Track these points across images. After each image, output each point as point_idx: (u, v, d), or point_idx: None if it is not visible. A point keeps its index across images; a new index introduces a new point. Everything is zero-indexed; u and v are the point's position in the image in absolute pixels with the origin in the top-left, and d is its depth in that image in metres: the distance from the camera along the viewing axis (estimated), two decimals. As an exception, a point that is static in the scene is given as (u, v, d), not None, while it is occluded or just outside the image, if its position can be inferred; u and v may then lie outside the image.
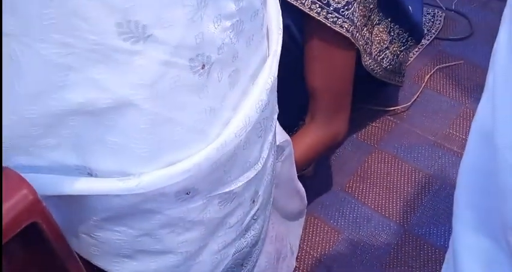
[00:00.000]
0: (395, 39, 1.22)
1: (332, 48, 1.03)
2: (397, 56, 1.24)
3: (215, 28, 0.51)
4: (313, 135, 1.11)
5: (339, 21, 1.00)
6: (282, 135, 0.85)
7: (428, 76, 1.52)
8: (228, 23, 0.52)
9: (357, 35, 1.05)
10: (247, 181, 0.66)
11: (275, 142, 0.76)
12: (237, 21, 0.53)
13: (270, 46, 0.64)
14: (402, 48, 1.25)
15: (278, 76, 1.12)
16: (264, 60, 0.62)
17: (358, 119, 1.40)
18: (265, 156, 0.68)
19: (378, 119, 1.43)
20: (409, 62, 1.55)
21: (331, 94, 1.09)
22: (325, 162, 1.34)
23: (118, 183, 0.53)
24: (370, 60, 1.17)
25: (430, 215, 1.22)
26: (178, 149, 0.55)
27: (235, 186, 0.64)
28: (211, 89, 0.54)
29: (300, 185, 1.03)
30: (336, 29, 1.00)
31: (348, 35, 1.02)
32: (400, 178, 1.30)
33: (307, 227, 1.21)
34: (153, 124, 0.51)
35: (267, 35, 0.64)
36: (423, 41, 1.60)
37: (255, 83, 0.61)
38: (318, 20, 0.99)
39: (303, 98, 1.12)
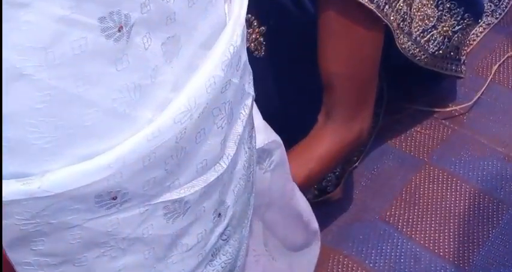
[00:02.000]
0: (445, 15, 1.20)
1: (353, 21, 1.03)
2: (450, 39, 1.23)
3: None
4: (330, 137, 1.12)
5: None
6: (267, 134, 0.85)
7: (496, 66, 1.49)
8: None
9: (386, 7, 1.04)
10: (205, 187, 0.65)
11: (253, 137, 0.76)
12: None
13: (231, 9, 0.65)
14: (456, 27, 1.23)
15: (279, 58, 1.17)
16: (221, 27, 0.63)
17: (402, 124, 1.39)
18: (232, 154, 0.68)
19: (428, 124, 1.41)
20: (470, 47, 1.52)
21: (354, 82, 1.09)
22: (357, 182, 1.32)
23: (15, 185, 0.53)
24: (409, 43, 1.16)
25: (499, 254, 1.20)
26: (93, 138, 0.55)
27: (188, 192, 0.64)
28: (134, 59, 0.54)
29: (302, 204, 1.01)
30: None
31: (372, 6, 1.01)
32: (458, 203, 1.28)
33: (334, 269, 1.20)
34: (52, 103, 0.51)
35: None
36: (489, 19, 1.56)
37: (207, 56, 0.62)
38: None
39: (314, 88, 1.12)
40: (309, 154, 1.11)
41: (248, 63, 0.69)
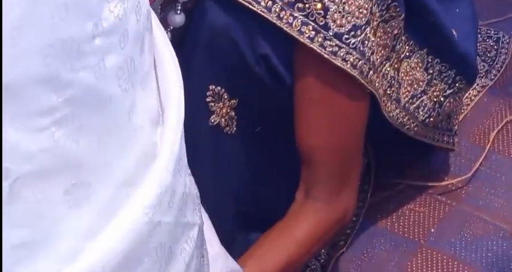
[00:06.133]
0: (435, 78, 1.24)
1: (334, 89, 1.08)
2: (441, 105, 1.26)
3: (16, 129, 0.51)
4: (311, 217, 1.13)
5: (341, 52, 1.03)
6: (226, 262, 0.85)
7: (494, 133, 1.51)
8: (45, 121, 0.53)
9: (371, 73, 1.07)
10: None
11: (204, 267, 0.75)
12: (65, 116, 0.54)
13: (164, 137, 0.65)
14: (448, 92, 1.26)
15: (253, 133, 1.17)
16: (149, 161, 0.63)
17: (392, 202, 1.40)
18: None
19: (423, 201, 1.41)
20: (464, 112, 1.54)
21: (336, 155, 1.12)
22: (346, 270, 1.33)
23: None
24: (397, 110, 1.19)
25: None
26: None
27: None
28: (22, 215, 0.54)
29: None
30: (336, 63, 1.04)
31: (355, 72, 1.05)
32: None
33: None
34: None
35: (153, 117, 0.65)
36: (483, 81, 1.60)
37: (130, 196, 0.61)
38: (311, 48, 1.03)
39: (292, 164, 1.15)
40: (287, 238, 1.12)
41: (191, 190, 0.69)
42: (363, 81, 1.05)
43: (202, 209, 0.79)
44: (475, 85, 1.53)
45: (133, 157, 0.62)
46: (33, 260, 0.56)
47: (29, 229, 0.55)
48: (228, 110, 1.14)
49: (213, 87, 1.12)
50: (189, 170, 0.70)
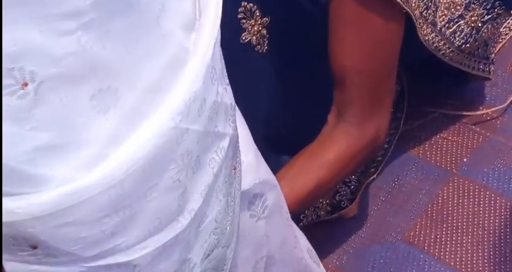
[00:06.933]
0: (474, 3, 1.23)
1: (369, 9, 1.06)
2: (478, 30, 1.25)
3: (42, 32, 0.52)
4: (343, 140, 1.14)
5: None
6: (259, 172, 0.84)
7: None
8: (72, 24, 0.53)
9: None
10: (159, 247, 0.65)
11: (235, 179, 0.75)
12: (92, 19, 0.54)
13: (198, 42, 0.65)
14: (486, 17, 1.25)
15: (285, 52, 1.18)
16: (177, 67, 0.63)
17: (426, 130, 1.41)
18: (196, 207, 0.68)
19: (456, 130, 1.42)
20: (502, 41, 1.52)
21: (370, 77, 1.11)
22: (376, 197, 1.34)
23: None
24: (433, 34, 1.18)
25: (541, 276, 1.21)
26: None
27: (137, 254, 0.64)
28: (47, 118, 0.55)
29: (307, 255, 0.98)
30: None
31: None
32: (493, 220, 1.28)
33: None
34: None
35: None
36: None
37: (157, 101, 0.61)
38: None
39: (324, 86, 1.15)
40: (318, 160, 1.13)
41: (223, 99, 0.69)
42: (399, 0, 1.04)
43: (240, 116, 0.79)
44: (514, 14, 1.52)
45: (161, 63, 0.62)
46: (52, 163, 0.57)
47: (53, 132, 0.56)
48: (260, 28, 1.14)
49: (245, 3, 1.11)
50: (227, 80, 0.69)
